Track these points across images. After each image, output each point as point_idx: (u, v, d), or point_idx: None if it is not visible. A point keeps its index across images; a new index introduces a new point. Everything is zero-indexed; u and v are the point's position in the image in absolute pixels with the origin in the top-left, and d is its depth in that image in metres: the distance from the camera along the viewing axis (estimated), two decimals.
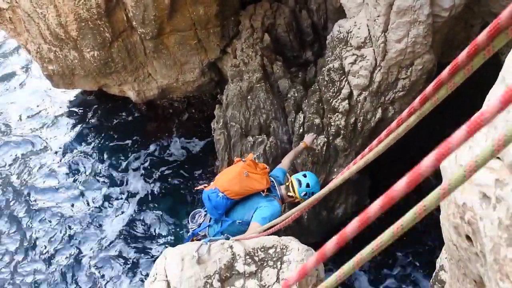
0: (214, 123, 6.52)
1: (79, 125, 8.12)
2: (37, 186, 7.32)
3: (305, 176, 3.95)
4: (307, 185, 3.86)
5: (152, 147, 7.69)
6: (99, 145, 7.80)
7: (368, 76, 4.70)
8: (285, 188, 3.94)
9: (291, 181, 3.93)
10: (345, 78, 4.94)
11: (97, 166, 7.51)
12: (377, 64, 4.61)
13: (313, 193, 3.73)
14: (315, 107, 5.28)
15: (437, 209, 1.71)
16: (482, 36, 0.91)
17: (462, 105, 3.54)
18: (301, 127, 5.40)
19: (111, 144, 7.79)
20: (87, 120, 8.20)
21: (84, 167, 7.51)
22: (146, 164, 7.47)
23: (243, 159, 3.94)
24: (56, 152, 7.76)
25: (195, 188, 4.97)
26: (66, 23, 5.99)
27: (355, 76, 4.79)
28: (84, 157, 7.67)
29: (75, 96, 8.53)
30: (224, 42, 6.86)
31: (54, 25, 6.05)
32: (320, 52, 6.52)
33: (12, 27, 6.73)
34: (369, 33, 4.59)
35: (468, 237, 1.33)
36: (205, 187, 3.93)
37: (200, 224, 3.97)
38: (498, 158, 1.20)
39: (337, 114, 5.07)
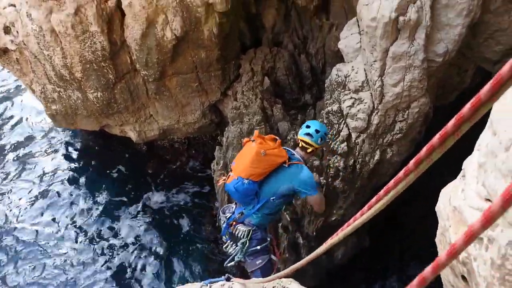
0: (214, 164, 6.56)
1: (77, 163, 8.16)
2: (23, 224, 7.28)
3: (308, 126, 4.12)
4: (317, 131, 4.07)
5: (151, 188, 7.69)
6: (97, 185, 7.80)
7: (366, 119, 4.78)
8: (301, 148, 4.12)
9: (302, 139, 4.10)
10: (343, 121, 5.02)
11: (93, 206, 7.47)
12: (375, 107, 4.70)
13: (325, 134, 4.14)
14: None
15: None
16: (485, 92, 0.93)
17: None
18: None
19: (109, 184, 7.79)
20: (86, 158, 8.25)
21: (79, 207, 7.48)
22: (145, 205, 7.44)
23: (251, 139, 3.98)
24: (47, 191, 7.74)
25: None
26: (71, 64, 6.14)
27: (353, 118, 4.87)
28: (79, 195, 7.65)
29: (74, 134, 8.63)
30: (225, 85, 7.00)
31: (60, 67, 6.20)
32: (318, 95, 6.65)
33: (18, 67, 6.89)
34: (366, 77, 4.71)
35: (463, 277, 1.34)
36: (224, 180, 4.01)
37: (233, 212, 4.03)
38: (489, 200, 1.23)
39: (336, 156, 5.12)
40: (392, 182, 1.34)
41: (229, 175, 3.95)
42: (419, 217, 5.61)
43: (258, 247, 3.97)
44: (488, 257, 1.12)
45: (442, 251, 1.44)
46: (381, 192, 1.40)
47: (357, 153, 4.99)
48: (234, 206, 4.13)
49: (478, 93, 0.83)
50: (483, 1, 4.06)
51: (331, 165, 5.13)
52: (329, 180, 5.16)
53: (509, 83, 0.76)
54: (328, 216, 5.35)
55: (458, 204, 1.36)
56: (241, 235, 3.93)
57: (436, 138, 0.99)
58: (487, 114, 1.53)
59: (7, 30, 6.45)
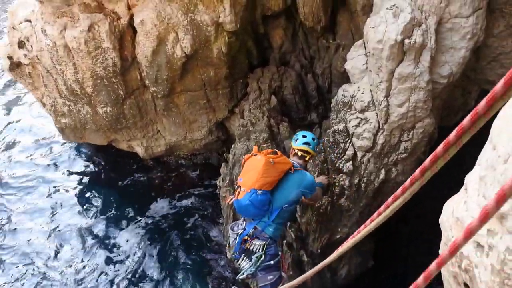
0: (219, 181, 6.61)
1: (83, 176, 8.24)
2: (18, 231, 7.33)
3: (304, 136, 4.50)
4: (313, 139, 4.50)
5: (156, 204, 7.73)
6: (102, 199, 7.85)
7: (372, 138, 4.85)
8: (299, 157, 4.42)
9: (300, 149, 4.42)
10: (349, 140, 5.09)
11: (97, 221, 7.50)
12: (380, 127, 4.78)
13: (319, 142, 4.62)
14: (320, 167, 5.39)
15: None
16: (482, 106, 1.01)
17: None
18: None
19: (114, 199, 7.84)
20: (92, 172, 8.32)
21: (83, 221, 7.51)
22: (150, 221, 7.46)
23: (254, 154, 4.19)
24: (51, 204, 7.80)
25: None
26: (82, 79, 6.28)
27: (359, 138, 4.94)
28: (84, 210, 7.70)
29: (81, 148, 8.72)
30: (232, 103, 7.11)
31: (71, 81, 6.34)
32: (324, 114, 6.73)
33: (30, 81, 7.04)
34: (372, 98, 4.79)
35: (466, 285, 1.39)
36: (231, 198, 4.17)
37: (245, 228, 4.11)
38: None
39: (341, 174, 5.17)
40: (409, 182, 1.40)
41: (239, 191, 4.03)
42: (423, 239, 5.62)
43: (272, 262, 4.05)
44: (488, 263, 1.18)
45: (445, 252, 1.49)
46: (389, 200, 1.46)
47: (362, 172, 5.04)
48: (244, 223, 4.18)
49: (476, 107, 0.90)
50: (486, 25, 4.16)
51: (337, 184, 5.17)
52: (334, 198, 5.20)
53: (502, 98, 0.83)
54: (332, 234, 5.37)
55: (460, 215, 1.42)
56: (256, 249, 4.01)
57: (440, 148, 1.06)
58: (486, 131, 1.60)
59: (21, 45, 6.62)
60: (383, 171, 4.96)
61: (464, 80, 4.64)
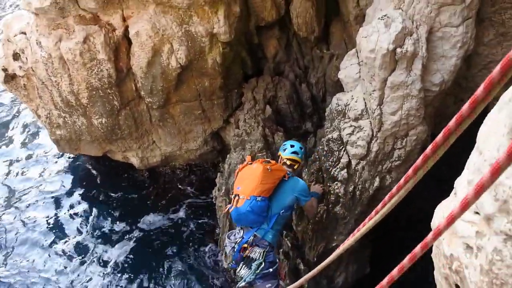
0: (215, 191, 6.63)
1: (78, 188, 8.22)
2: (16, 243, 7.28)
3: (292, 146, 4.75)
4: (301, 148, 4.75)
5: (152, 215, 7.71)
6: (95, 211, 7.82)
7: (366, 146, 4.89)
8: (288, 166, 4.61)
9: (289, 158, 4.64)
10: (343, 148, 5.13)
11: (90, 233, 7.46)
12: (374, 135, 4.82)
13: (306, 151, 4.87)
14: (315, 176, 5.42)
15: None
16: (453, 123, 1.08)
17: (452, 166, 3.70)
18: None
19: (108, 211, 7.81)
20: (86, 183, 8.30)
21: (77, 233, 7.48)
22: (145, 232, 7.44)
23: (249, 163, 4.42)
24: (44, 215, 7.77)
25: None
26: (78, 91, 6.30)
27: (353, 146, 4.98)
28: (77, 222, 7.66)
29: (76, 159, 8.71)
30: (227, 113, 7.15)
31: (67, 93, 6.36)
32: (319, 123, 6.78)
33: (25, 93, 7.05)
34: (365, 106, 4.85)
35: (457, 286, 1.42)
36: (228, 208, 4.30)
37: (243, 236, 4.18)
38: (478, 213, 1.33)
39: (336, 182, 5.20)
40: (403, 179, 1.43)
41: (237, 200, 4.09)
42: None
43: (270, 270, 4.13)
44: (477, 264, 1.21)
45: (438, 263, 1.53)
46: (378, 206, 1.49)
47: (357, 180, 5.08)
48: (241, 231, 4.22)
49: (460, 110, 0.94)
50: (476, 34, 4.24)
51: (332, 192, 5.20)
52: (330, 206, 5.22)
53: (483, 101, 0.87)
54: (328, 242, 5.39)
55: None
56: (256, 256, 4.09)
57: (429, 149, 1.10)
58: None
59: (16, 57, 6.65)
60: (377, 179, 4.99)
61: (456, 88, 4.70)
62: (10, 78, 6.92)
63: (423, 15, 4.19)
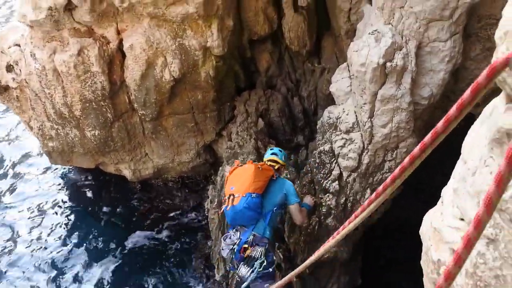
0: (208, 203, 6.64)
1: (67, 202, 8.17)
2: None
3: (272, 149, 5.04)
4: (280, 151, 4.98)
5: (142, 229, 7.68)
6: (86, 225, 7.77)
7: (357, 158, 4.96)
8: (273, 169, 4.72)
9: (269, 159, 4.84)
10: (335, 160, 5.19)
11: (79, 249, 7.39)
12: (365, 147, 4.89)
13: (286, 154, 5.08)
14: (307, 188, 5.47)
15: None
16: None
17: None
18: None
19: (99, 224, 7.76)
20: (77, 196, 8.25)
21: (67, 245, 7.42)
22: (136, 246, 7.40)
23: (240, 165, 4.62)
24: (33, 227, 7.70)
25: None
26: (71, 103, 6.32)
27: (345, 158, 5.04)
28: (67, 236, 7.60)
29: (68, 170, 8.67)
30: (220, 126, 7.20)
31: (60, 105, 6.37)
32: (310, 136, 6.85)
33: (18, 105, 7.06)
34: (356, 119, 4.92)
35: None
36: (223, 207, 4.41)
37: (240, 237, 4.29)
38: (462, 219, 1.39)
39: (328, 194, 5.25)
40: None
41: (232, 199, 4.20)
42: (407, 253, 5.70)
43: (270, 269, 4.27)
44: (463, 267, 1.26)
45: (427, 269, 1.57)
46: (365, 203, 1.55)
47: (348, 192, 5.13)
48: (237, 233, 4.29)
49: (447, 113, 1.00)
50: (463, 49, 4.34)
51: (323, 204, 5.25)
52: (321, 218, 5.26)
53: (469, 104, 0.94)
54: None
55: (438, 226, 1.51)
56: (258, 255, 4.22)
57: (417, 149, 1.16)
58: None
59: (9, 69, 6.67)
60: (368, 191, 5.05)
61: (444, 101, 4.79)
62: (3, 89, 6.93)
63: (412, 30, 4.29)
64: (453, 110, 0.99)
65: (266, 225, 4.35)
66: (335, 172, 5.16)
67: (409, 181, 5.16)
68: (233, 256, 4.29)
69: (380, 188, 1.51)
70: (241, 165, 4.61)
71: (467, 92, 0.94)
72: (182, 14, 5.73)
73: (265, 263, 4.24)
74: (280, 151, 5.01)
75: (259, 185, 4.33)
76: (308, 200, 5.06)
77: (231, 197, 4.30)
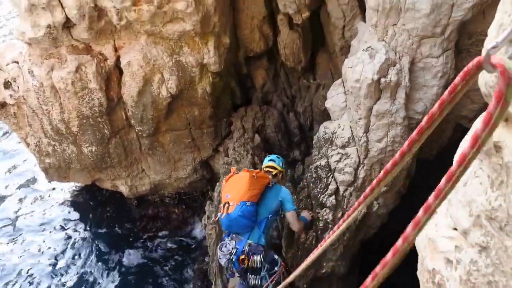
0: (205, 219, 6.64)
1: (65, 217, 8.14)
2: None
3: (269, 156, 5.06)
4: (277, 157, 5.02)
5: (141, 244, 7.66)
6: (81, 241, 7.74)
7: (353, 173, 4.99)
8: (271, 176, 4.77)
9: (267, 165, 4.89)
10: (331, 175, 5.22)
11: (80, 261, 7.38)
12: (361, 162, 4.93)
13: (283, 160, 5.07)
14: (304, 203, 5.49)
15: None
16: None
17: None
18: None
19: (95, 241, 7.74)
20: (73, 212, 8.23)
21: (62, 263, 7.37)
22: (133, 263, 7.37)
23: (236, 172, 4.63)
24: (31, 243, 7.65)
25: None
26: (68, 119, 6.36)
27: (341, 173, 5.08)
28: (62, 251, 7.56)
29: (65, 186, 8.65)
30: (216, 141, 7.24)
31: (57, 121, 6.40)
32: (306, 151, 6.90)
33: (15, 121, 7.08)
34: (352, 134, 4.97)
35: None
36: (218, 215, 4.43)
37: (237, 247, 4.32)
38: (455, 229, 1.43)
39: (325, 209, 5.26)
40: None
41: (227, 206, 4.26)
42: (404, 264, 5.71)
43: (276, 268, 4.39)
44: (457, 275, 1.30)
45: (422, 278, 1.60)
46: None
47: (345, 206, 5.15)
48: (233, 241, 4.33)
49: (431, 111, 1.07)
50: (456, 64, 4.43)
51: (320, 218, 5.26)
52: (319, 232, 5.27)
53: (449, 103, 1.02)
54: (318, 269, 5.41)
55: (432, 236, 1.55)
56: (259, 264, 4.28)
57: (397, 155, 1.21)
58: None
59: (7, 85, 6.71)
60: (365, 205, 5.07)
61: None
62: (0, 106, 6.96)
63: (405, 47, 4.38)
64: (435, 108, 1.08)
65: (261, 233, 4.39)
66: (332, 186, 5.19)
67: (405, 195, 5.19)
68: (232, 265, 4.34)
69: (367, 190, 1.54)
70: (237, 173, 4.65)
71: (446, 93, 1.04)
72: (179, 32, 5.82)
73: (267, 266, 4.33)
74: (278, 157, 5.06)
75: (254, 193, 4.36)
76: (306, 214, 5.08)
77: (226, 205, 4.35)
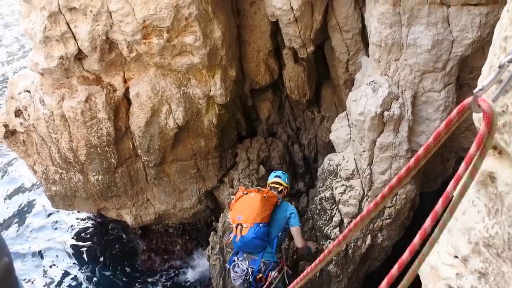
0: (209, 250, 6.61)
1: (68, 246, 8.13)
2: None
3: (274, 172, 5.16)
4: (283, 173, 5.13)
5: (145, 275, 7.61)
6: (84, 271, 7.71)
7: (357, 204, 5.03)
8: (277, 192, 4.89)
9: (273, 181, 4.98)
10: (335, 207, 5.25)
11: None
12: (365, 194, 4.97)
13: (288, 176, 5.15)
14: (308, 234, 5.50)
15: None
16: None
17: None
18: (295, 254, 5.55)
19: (98, 271, 7.70)
20: (77, 241, 8.23)
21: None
22: None
23: (244, 192, 4.70)
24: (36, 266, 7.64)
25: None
26: (76, 148, 6.45)
27: (345, 204, 5.11)
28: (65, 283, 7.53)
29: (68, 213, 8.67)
30: (221, 172, 7.29)
31: (65, 149, 6.50)
32: (311, 183, 6.93)
33: (23, 149, 7.19)
34: (356, 166, 5.04)
35: None
36: (230, 238, 4.56)
37: (251, 266, 4.43)
38: (456, 257, 1.47)
39: (329, 241, 5.27)
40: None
41: (240, 229, 4.31)
42: None
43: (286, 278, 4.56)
44: None
45: None
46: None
47: (349, 238, 5.15)
48: (246, 261, 4.38)
49: (427, 142, 1.14)
50: (457, 98, 4.52)
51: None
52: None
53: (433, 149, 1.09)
54: None
55: (434, 263, 1.59)
56: (276, 280, 4.43)
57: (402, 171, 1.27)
58: None
59: (18, 113, 6.85)
60: (369, 237, 5.08)
61: (441, 148, 4.92)
62: (10, 133, 7.09)
63: (407, 81, 4.49)
64: (431, 140, 1.15)
65: (273, 252, 4.50)
66: (336, 218, 5.21)
67: (409, 227, 5.19)
68: (247, 285, 4.40)
69: (358, 218, 1.57)
70: (246, 193, 4.71)
71: (442, 125, 1.11)
72: (187, 64, 5.98)
73: (279, 276, 4.53)
74: (283, 173, 5.16)
75: (266, 214, 4.46)
76: (310, 245, 5.09)
77: (239, 226, 4.42)
